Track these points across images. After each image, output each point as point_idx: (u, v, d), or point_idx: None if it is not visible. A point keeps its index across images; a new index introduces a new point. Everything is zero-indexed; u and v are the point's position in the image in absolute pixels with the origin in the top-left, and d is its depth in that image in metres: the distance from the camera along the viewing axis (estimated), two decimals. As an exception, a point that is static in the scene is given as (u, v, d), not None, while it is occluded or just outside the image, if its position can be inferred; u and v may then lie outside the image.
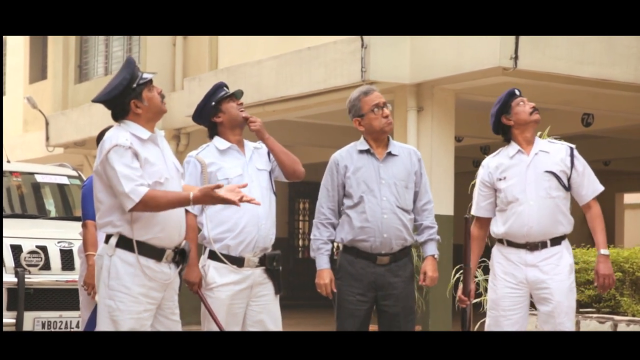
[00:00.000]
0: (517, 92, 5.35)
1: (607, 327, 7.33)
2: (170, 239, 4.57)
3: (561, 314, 5.17)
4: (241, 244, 5.10)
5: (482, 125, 9.16)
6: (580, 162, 5.34)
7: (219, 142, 5.26)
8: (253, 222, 5.11)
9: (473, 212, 5.42)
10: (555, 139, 5.81)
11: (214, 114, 5.25)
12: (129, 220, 4.45)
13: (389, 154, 5.31)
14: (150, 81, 4.59)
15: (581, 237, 7.49)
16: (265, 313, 5.17)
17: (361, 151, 5.30)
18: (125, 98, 4.53)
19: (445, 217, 9.91)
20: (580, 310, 7.92)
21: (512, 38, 8.89)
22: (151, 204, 4.39)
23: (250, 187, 5.15)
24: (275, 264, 5.20)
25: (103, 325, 4.46)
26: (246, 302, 5.13)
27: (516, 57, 8.94)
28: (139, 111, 4.55)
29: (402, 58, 9.84)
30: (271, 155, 5.32)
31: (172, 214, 4.54)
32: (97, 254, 4.58)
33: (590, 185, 5.32)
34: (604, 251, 5.26)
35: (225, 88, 5.32)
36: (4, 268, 7.67)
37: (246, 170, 5.21)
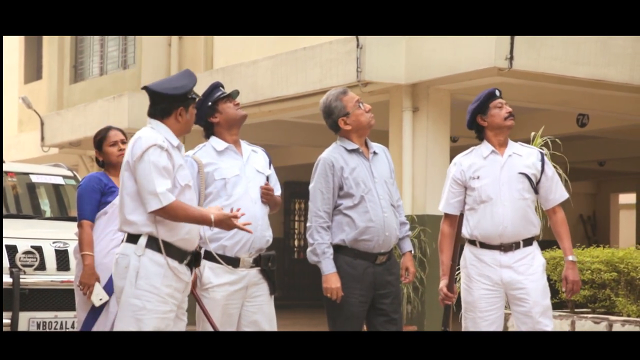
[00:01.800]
0: (497, 93, 5.36)
1: (602, 327, 7.34)
2: (193, 242, 4.65)
3: (538, 314, 5.20)
4: (237, 244, 5.10)
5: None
6: (550, 167, 5.42)
7: (215, 142, 5.25)
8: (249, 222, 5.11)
9: (441, 208, 5.48)
10: (550, 139, 5.83)
11: (211, 114, 5.25)
12: (156, 221, 4.48)
13: (374, 152, 5.34)
14: (195, 102, 4.70)
15: (576, 237, 7.50)
16: (260, 313, 5.17)
17: (350, 150, 5.30)
18: (177, 102, 4.59)
19: (441, 217, 9.87)
20: (576, 310, 7.94)
21: (507, 38, 8.90)
22: (171, 213, 4.45)
23: (247, 187, 5.17)
24: (270, 265, 5.20)
25: (125, 323, 4.47)
26: (241, 302, 5.13)
27: (511, 58, 8.94)
28: (180, 119, 4.61)
29: (397, 58, 9.84)
30: (271, 165, 5.35)
31: None
32: (120, 253, 4.58)
33: (557, 191, 5.40)
34: (572, 257, 5.33)
35: (221, 88, 5.32)
36: (-2, 268, 7.66)
37: (243, 171, 5.21)
